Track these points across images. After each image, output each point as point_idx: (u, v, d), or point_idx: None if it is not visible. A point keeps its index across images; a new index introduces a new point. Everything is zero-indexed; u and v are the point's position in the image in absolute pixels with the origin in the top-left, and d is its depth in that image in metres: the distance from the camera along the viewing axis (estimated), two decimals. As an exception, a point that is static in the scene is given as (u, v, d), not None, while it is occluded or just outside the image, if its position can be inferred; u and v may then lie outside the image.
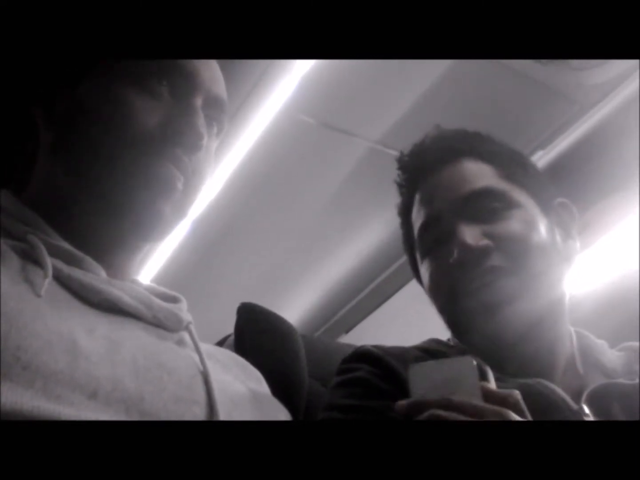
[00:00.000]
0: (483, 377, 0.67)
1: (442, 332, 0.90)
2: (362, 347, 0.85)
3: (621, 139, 1.30)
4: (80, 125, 0.69)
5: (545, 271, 0.81)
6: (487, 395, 0.62)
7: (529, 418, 0.62)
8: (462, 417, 0.58)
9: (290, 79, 1.34)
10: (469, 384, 0.63)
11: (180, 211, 0.72)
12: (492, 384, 0.67)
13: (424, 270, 0.88)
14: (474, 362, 0.64)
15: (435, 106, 1.43)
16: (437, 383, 0.63)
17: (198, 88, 0.72)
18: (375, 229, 1.80)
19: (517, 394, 0.63)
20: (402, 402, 0.62)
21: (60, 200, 0.70)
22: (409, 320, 1.77)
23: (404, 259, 1.87)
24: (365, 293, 2.05)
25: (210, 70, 0.75)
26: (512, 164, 0.89)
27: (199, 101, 0.72)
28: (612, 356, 0.87)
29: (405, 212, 0.94)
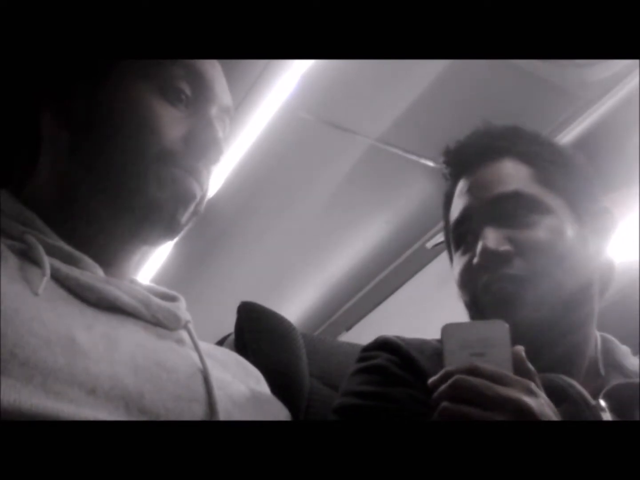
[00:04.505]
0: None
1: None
2: (382, 336, 0.86)
3: (623, 135, 1.29)
4: (104, 129, 0.70)
5: (567, 280, 0.81)
6: (517, 361, 0.63)
7: (545, 398, 0.62)
8: (486, 384, 0.58)
9: (290, 77, 1.33)
10: (500, 346, 0.63)
11: (191, 218, 0.74)
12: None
13: (455, 264, 0.89)
14: (507, 326, 0.64)
15: (436, 103, 1.43)
16: (470, 343, 0.63)
17: (213, 99, 0.74)
18: (376, 226, 1.79)
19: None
20: (434, 378, 0.62)
21: (72, 198, 0.70)
22: (410, 317, 1.77)
23: (405, 256, 1.87)
24: (366, 291, 2.04)
25: (221, 79, 0.76)
26: (553, 166, 0.88)
27: (214, 111, 0.74)
28: (634, 361, 0.87)
29: (446, 204, 0.95)
